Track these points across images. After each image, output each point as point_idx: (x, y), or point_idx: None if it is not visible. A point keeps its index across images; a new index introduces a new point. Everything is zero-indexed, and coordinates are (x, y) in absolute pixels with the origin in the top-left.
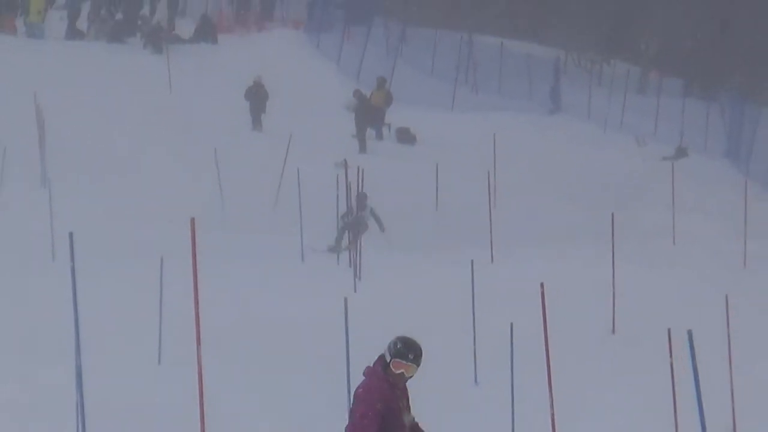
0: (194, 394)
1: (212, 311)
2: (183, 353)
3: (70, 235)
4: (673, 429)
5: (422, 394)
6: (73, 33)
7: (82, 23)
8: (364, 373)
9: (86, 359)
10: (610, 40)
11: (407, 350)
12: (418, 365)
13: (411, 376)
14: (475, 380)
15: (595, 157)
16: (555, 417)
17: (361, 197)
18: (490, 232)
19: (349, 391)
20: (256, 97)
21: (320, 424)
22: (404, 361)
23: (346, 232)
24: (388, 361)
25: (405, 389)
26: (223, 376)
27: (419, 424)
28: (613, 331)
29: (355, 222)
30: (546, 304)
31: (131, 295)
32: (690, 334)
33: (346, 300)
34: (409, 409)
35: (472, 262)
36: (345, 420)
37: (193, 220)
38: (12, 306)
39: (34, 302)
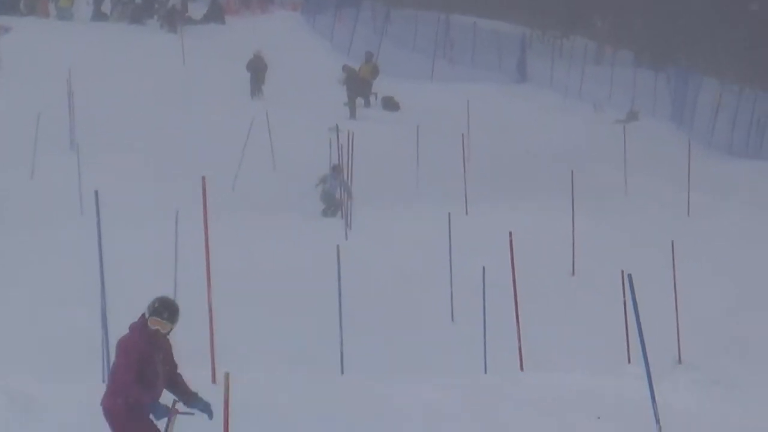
0: (206, 328)
1: (222, 259)
2: (196, 295)
3: (96, 192)
4: (625, 357)
5: (404, 330)
6: (98, 15)
7: (106, 7)
8: (129, 327)
9: (110, 301)
10: (570, 18)
11: (163, 309)
12: (172, 323)
13: (167, 332)
14: (452, 318)
15: (557, 121)
16: (522, 349)
17: (337, 169)
18: (465, 187)
19: (341, 325)
20: (256, 67)
21: (315, 353)
22: (159, 319)
23: (328, 200)
24: (147, 318)
25: (166, 342)
26: (231, 314)
27: (180, 375)
28: (573, 274)
29: (331, 191)
30: (513, 250)
31: (150, 245)
32: (630, 277)
33: (338, 247)
34: (168, 361)
35: (449, 214)
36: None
37: (204, 178)
38: (45, 255)
39: (64, 252)
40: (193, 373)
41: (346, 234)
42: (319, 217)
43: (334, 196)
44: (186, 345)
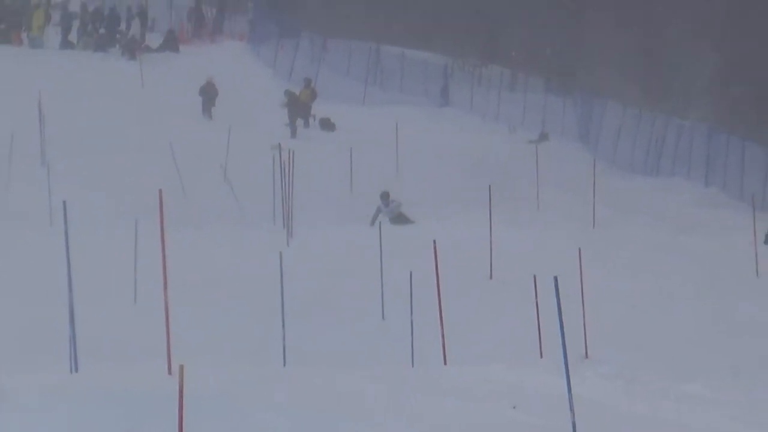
0: (163, 325)
1: (177, 263)
2: (154, 296)
3: (64, 203)
4: (538, 352)
5: (340, 326)
6: (65, 44)
7: (73, 36)
8: None
9: (77, 300)
10: (487, 49)
11: None
12: None
13: None
14: (383, 316)
15: (476, 141)
16: (445, 344)
17: (384, 195)
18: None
19: (283, 323)
20: (208, 93)
21: (260, 348)
22: None
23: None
24: None
25: None
26: (185, 313)
27: None
28: (491, 277)
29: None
30: (437, 256)
31: (113, 251)
32: (555, 279)
33: (281, 254)
34: None
35: (380, 224)
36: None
37: (160, 191)
38: (16, 261)
39: (35, 258)
40: (150, 364)
41: (287, 242)
42: (263, 226)
43: (405, 216)
44: (144, 340)
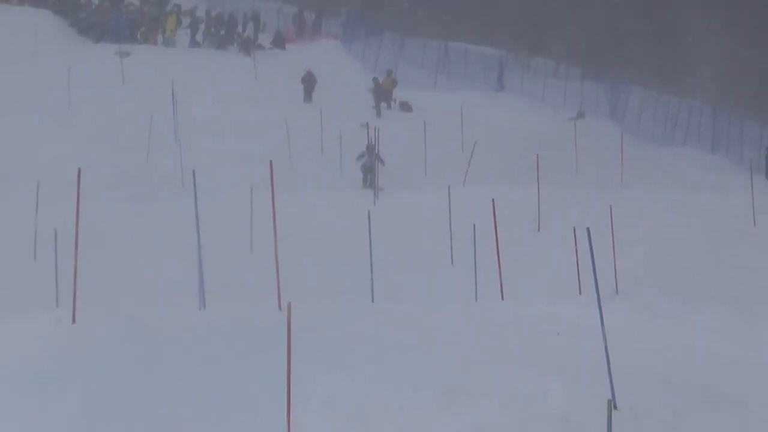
0: (273, 270)
1: (285, 221)
2: (266, 247)
3: (193, 172)
4: (577, 290)
5: (417, 270)
6: (193, 43)
7: (199, 37)
8: None
9: (204, 250)
10: (534, 44)
11: None
12: None
13: None
14: (452, 262)
15: (526, 119)
16: (503, 284)
17: (371, 147)
18: (464, 169)
19: (371, 268)
20: (308, 82)
21: (352, 287)
22: None
23: (367, 172)
24: None
25: None
26: (292, 260)
27: None
28: (539, 230)
29: (369, 165)
30: (496, 212)
31: (233, 211)
32: (588, 230)
33: (369, 212)
34: None
35: (448, 187)
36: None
37: (271, 162)
38: (154, 219)
39: (170, 216)
40: (264, 302)
41: (374, 202)
42: (357, 189)
43: (371, 168)
44: (259, 283)
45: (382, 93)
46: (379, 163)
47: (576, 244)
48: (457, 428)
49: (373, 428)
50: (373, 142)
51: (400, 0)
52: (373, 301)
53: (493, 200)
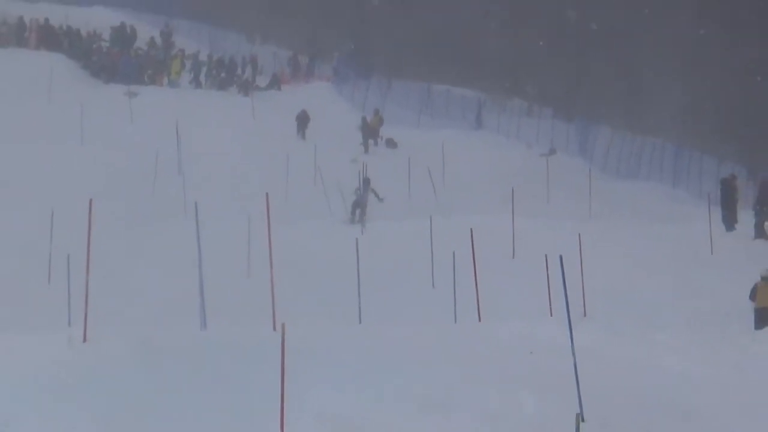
0: (269, 294)
1: (279, 249)
2: (262, 272)
3: (195, 204)
4: (548, 312)
5: (400, 293)
6: (196, 84)
7: (201, 78)
8: None
9: (205, 275)
10: (510, 86)
11: None
12: None
13: None
14: (433, 285)
15: (502, 155)
16: (480, 306)
17: (366, 181)
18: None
19: (359, 292)
20: (302, 119)
21: (340, 310)
22: None
23: (357, 207)
24: None
25: None
26: (287, 285)
27: None
28: (513, 256)
29: (361, 200)
30: (473, 241)
31: (232, 239)
32: (561, 257)
33: (357, 240)
34: None
35: (430, 217)
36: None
37: (267, 195)
38: (160, 246)
39: (174, 244)
40: (260, 324)
41: (362, 231)
42: (343, 220)
43: (363, 205)
44: (255, 305)
45: (370, 131)
46: (375, 197)
47: (547, 270)
48: None
49: None
50: (368, 176)
51: (387, 45)
52: (360, 322)
53: (471, 229)
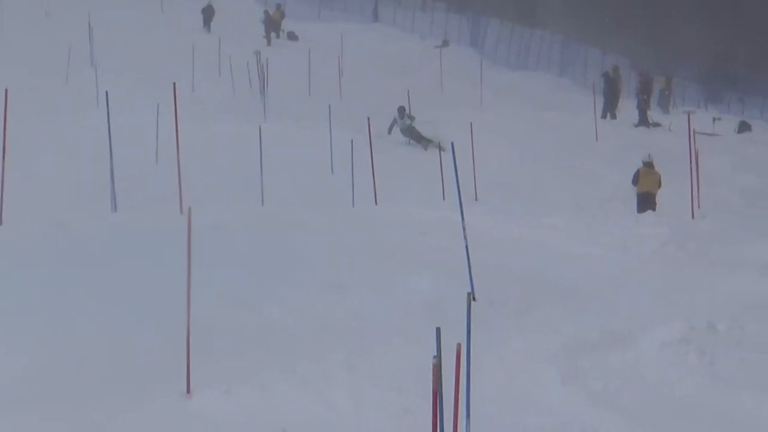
0: (176, 176)
1: (187, 135)
2: (170, 158)
3: (106, 93)
4: (441, 196)
5: (301, 177)
6: None
7: None
8: None
9: (115, 161)
10: None
11: None
12: None
13: None
14: (332, 171)
15: (397, 46)
16: (376, 191)
17: (401, 109)
18: (339, 93)
19: (261, 174)
20: (207, 13)
21: (245, 193)
22: None
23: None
24: None
25: None
26: (193, 168)
27: None
28: (408, 143)
29: (407, 129)
30: (371, 129)
31: (142, 127)
32: (452, 144)
33: (260, 127)
34: None
35: (329, 105)
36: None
37: (174, 84)
38: (71, 134)
39: (86, 131)
40: (167, 207)
41: (264, 118)
42: (248, 109)
43: (415, 130)
44: (163, 190)
45: (272, 24)
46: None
47: (440, 156)
48: (337, 313)
49: (263, 314)
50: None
51: None
52: (263, 204)
53: (368, 118)
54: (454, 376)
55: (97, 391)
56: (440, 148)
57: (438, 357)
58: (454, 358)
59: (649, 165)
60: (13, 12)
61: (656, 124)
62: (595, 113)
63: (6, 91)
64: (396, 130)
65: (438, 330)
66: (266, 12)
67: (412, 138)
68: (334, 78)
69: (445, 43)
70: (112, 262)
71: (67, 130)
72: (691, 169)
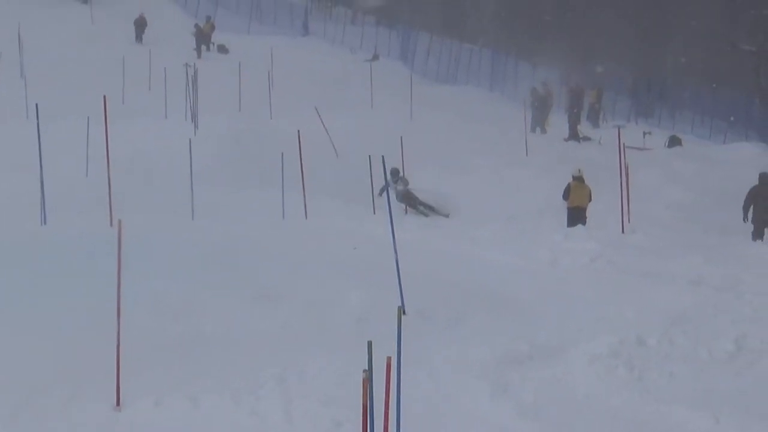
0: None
1: (117, 147)
2: (100, 170)
3: (36, 105)
4: (372, 210)
5: (230, 192)
6: None
7: None
8: None
9: (45, 172)
10: None
11: None
12: None
13: None
14: (260, 184)
15: (327, 59)
16: (306, 204)
17: (394, 171)
18: (270, 102)
19: (191, 187)
20: (140, 25)
21: (176, 207)
22: None
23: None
24: None
25: None
26: (122, 182)
27: None
28: (337, 156)
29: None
30: (301, 145)
31: (71, 138)
32: (383, 157)
33: (190, 140)
34: None
35: (259, 119)
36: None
37: (105, 96)
38: (0, 139)
39: (15, 142)
40: (97, 218)
41: (194, 131)
42: (177, 119)
43: (412, 195)
44: (93, 201)
45: (203, 37)
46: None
47: (371, 169)
48: (266, 325)
49: (194, 326)
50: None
51: None
52: (193, 218)
53: (298, 131)
54: (384, 389)
55: (25, 402)
56: (445, 216)
57: (368, 370)
58: (385, 371)
59: (579, 179)
60: None
61: (586, 138)
62: (525, 127)
63: None
64: (392, 194)
65: (369, 343)
66: (197, 25)
67: (410, 205)
68: (264, 91)
69: (375, 57)
70: (41, 275)
71: None
72: (621, 183)
